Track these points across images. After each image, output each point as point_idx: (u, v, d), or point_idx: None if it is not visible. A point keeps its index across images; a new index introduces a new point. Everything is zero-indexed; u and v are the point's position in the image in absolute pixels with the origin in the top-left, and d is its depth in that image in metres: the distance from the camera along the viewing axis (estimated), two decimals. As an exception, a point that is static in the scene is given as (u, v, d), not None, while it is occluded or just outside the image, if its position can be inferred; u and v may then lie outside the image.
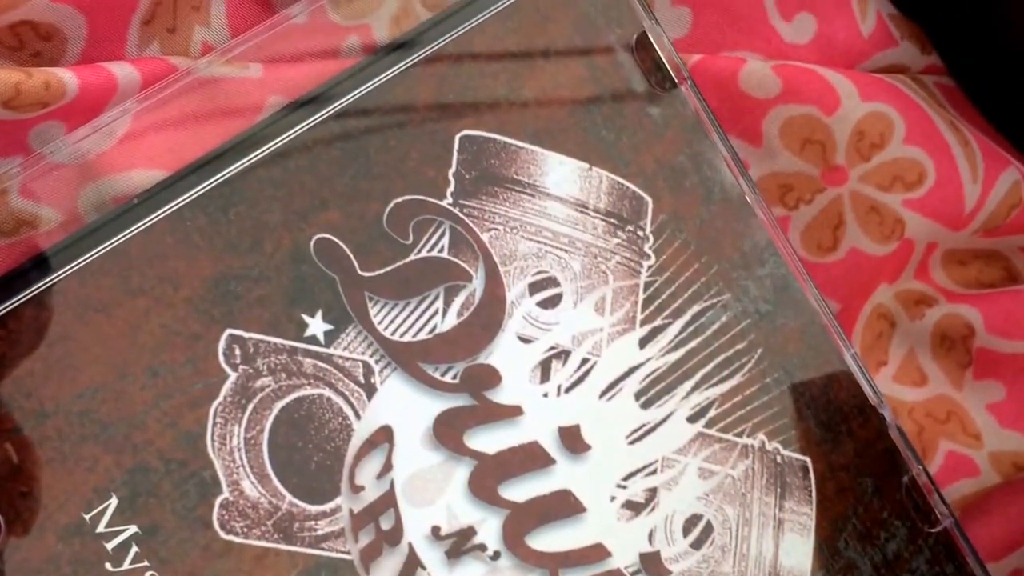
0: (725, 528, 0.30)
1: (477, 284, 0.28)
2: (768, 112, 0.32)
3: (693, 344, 0.30)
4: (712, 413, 0.30)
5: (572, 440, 0.28)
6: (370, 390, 0.27)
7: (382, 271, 0.27)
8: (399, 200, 0.28)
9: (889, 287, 0.35)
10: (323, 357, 0.27)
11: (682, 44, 0.33)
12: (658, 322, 0.30)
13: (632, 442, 0.29)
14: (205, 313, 0.26)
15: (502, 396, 0.28)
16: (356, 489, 0.27)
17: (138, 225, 0.26)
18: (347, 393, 0.27)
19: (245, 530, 0.26)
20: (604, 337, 0.29)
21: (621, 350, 0.29)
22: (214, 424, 0.26)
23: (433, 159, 0.28)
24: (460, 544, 0.27)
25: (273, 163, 0.27)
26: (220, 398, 0.26)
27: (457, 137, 0.28)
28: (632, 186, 0.30)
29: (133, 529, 0.25)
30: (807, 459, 0.31)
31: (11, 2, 0.26)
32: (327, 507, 0.26)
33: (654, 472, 0.29)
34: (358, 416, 0.27)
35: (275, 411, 0.26)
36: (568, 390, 0.29)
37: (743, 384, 0.30)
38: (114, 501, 0.25)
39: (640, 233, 0.30)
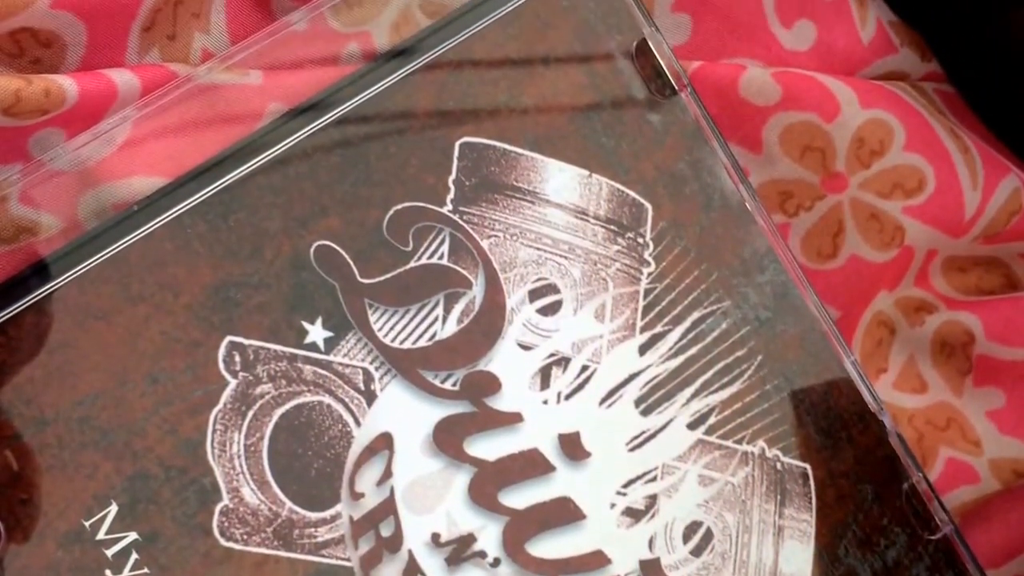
0: (725, 535, 0.30)
1: (477, 291, 0.28)
2: (768, 119, 0.32)
3: (693, 351, 0.30)
4: (712, 420, 0.30)
5: (572, 447, 0.28)
6: (370, 397, 0.27)
7: (382, 278, 0.27)
8: (399, 207, 0.28)
9: (889, 294, 0.35)
10: (323, 364, 0.27)
11: (682, 51, 0.33)
12: (658, 329, 0.30)
13: (632, 449, 0.29)
14: (205, 320, 0.26)
15: (502, 403, 0.28)
16: (356, 496, 0.27)
17: (138, 232, 0.26)
18: (347, 400, 0.27)
19: (245, 537, 0.26)
20: (604, 344, 0.29)
21: (621, 357, 0.29)
22: (214, 431, 0.26)
23: (433, 166, 0.28)
24: (460, 551, 0.27)
25: (273, 170, 0.27)
26: (220, 405, 0.26)
27: (457, 144, 0.28)
28: (632, 193, 0.30)
29: (133, 536, 0.25)
30: (807, 466, 0.30)
31: (11, 9, 0.26)
32: (327, 514, 0.26)
33: (654, 479, 0.29)
34: (358, 423, 0.27)
35: (275, 418, 0.26)
36: (568, 397, 0.29)
37: (743, 391, 0.30)
38: (114, 508, 0.25)
39: (640, 240, 0.30)
